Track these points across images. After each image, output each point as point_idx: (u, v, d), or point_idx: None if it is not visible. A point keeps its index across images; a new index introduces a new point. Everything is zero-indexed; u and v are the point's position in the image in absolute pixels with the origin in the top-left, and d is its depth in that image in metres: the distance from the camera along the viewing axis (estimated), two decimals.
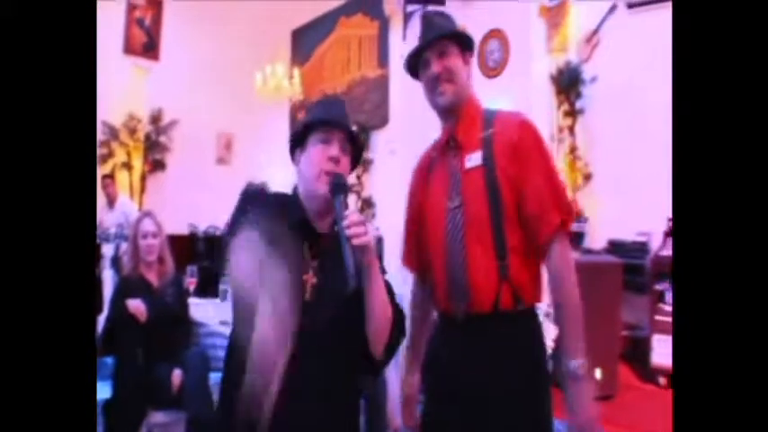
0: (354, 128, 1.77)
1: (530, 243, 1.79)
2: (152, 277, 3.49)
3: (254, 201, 1.70)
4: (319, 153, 1.64)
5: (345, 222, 1.46)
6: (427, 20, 1.94)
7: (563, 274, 1.75)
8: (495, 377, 1.74)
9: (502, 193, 1.78)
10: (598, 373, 3.66)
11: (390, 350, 1.64)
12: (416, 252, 2.02)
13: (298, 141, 1.72)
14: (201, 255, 7.98)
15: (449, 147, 1.90)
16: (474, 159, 1.83)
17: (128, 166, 8.83)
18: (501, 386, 1.73)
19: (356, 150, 1.74)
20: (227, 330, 3.25)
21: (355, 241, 1.45)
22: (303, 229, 1.64)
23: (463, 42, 1.92)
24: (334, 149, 1.65)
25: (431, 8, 1.86)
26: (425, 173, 1.99)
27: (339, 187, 1.57)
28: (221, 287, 4.40)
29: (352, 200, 8.07)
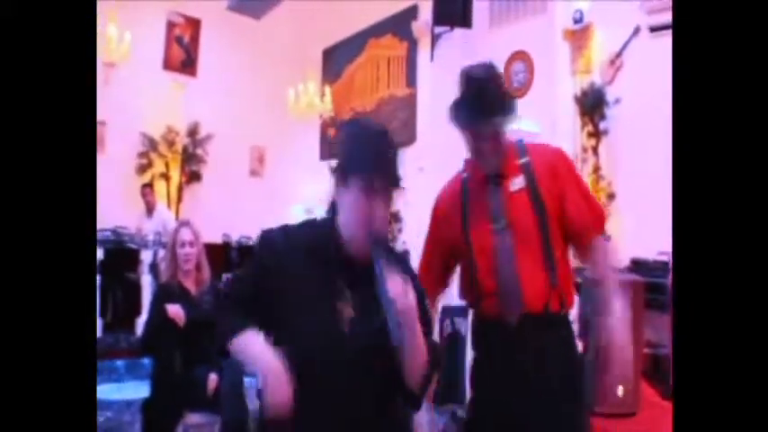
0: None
1: (569, 253, 2.04)
2: (189, 284, 3.48)
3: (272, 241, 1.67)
4: (363, 205, 1.54)
5: (388, 288, 1.43)
6: (481, 90, 1.95)
7: (606, 259, 2.02)
8: (548, 367, 1.95)
9: (547, 209, 1.97)
10: (620, 391, 3.63)
11: (429, 382, 1.63)
12: (433, 278, 2.14)
13: (339, 176, 1.61)
14: (235, 264, 8.09)
15: (489, 179, 2.03)
16: (517, 183, 2.00)
17: (166, 176, 9.01)
18: (551, 374, 1.94)
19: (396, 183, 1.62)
20: None
21: (399, 306, 1.43)
22: (338, 256, 1.59)
23: None
24: (379, 208, 1.55)
25: (475, 68, 1.86)
26: (458, 199, 2.09)
27: (380, 248, 1.51)
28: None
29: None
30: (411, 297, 1.46)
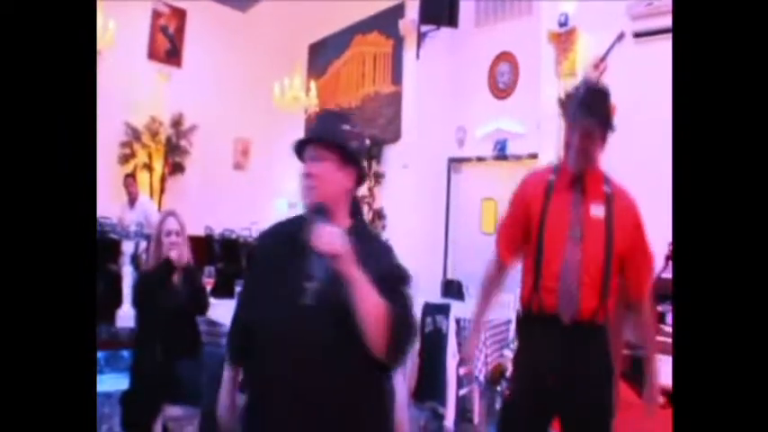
0: (358, 142, 1.82)
1: (621, 290, 2.33)
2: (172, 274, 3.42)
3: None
4: (302, 176, 1.69)
5: (313, 236, 1.53)
6: (600, 92, 2.32)
7: (651, 322, 2.46)
8: (588, 366, 2.26)
9: (614, 251, 2.24)
10: None
11: (397, 350, 1.64)
12: (513, 248, 2.43)
13: (298, 155, 1.75)
14: (217, 256, 8.06)
15: (574, 185, 2.29)
16: (598, 211, 2.27)
17: (149, 167, 8.94)
18: (590, 372, 2.26)
19: (356, 163, 1.74)
20: None
21: (320, 249, 1.52)
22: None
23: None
24: (312, 177, 1.66)
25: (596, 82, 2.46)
26: (542, 195, 2.33)
27: (314, 215, 1.61)
28: (237, 288, 4.22)
29: (365, 211, 8.12)
30: (339, 244, 1.53)
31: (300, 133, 10.02)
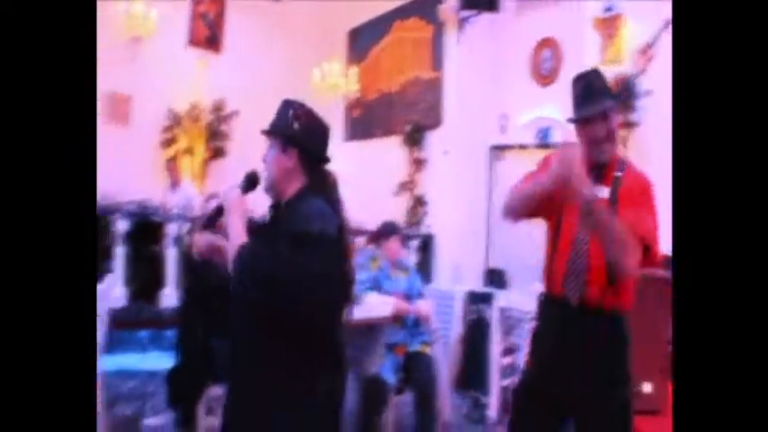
0: (300, 124, 2.00)
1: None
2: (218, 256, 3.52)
3: None
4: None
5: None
6: (588, 83, 2.23)
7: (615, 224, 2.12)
8: (597, 350, 2.17)
9: None
10: (648, 387, 3.72)
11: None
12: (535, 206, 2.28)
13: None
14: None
15: (590, 173, 2.16)
16: (603, 193, 2.18)
17: (190, 151, 8.95)
18: (600, 357, 2.17)
19: (296, 145, 1.98)
20: None
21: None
22: None
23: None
24: (265, 153, 2.02)
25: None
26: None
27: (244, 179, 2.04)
28: None
29: (406, 197, 8.17)
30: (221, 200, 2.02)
31: (340, 120, 10.22)
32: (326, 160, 2.04)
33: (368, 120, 9.64)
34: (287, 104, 2.06)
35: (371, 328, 3.45)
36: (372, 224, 4.71)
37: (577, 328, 2.20)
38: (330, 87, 8.71)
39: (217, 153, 9.20)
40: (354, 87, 9.00)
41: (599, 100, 2.19)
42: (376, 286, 3.73)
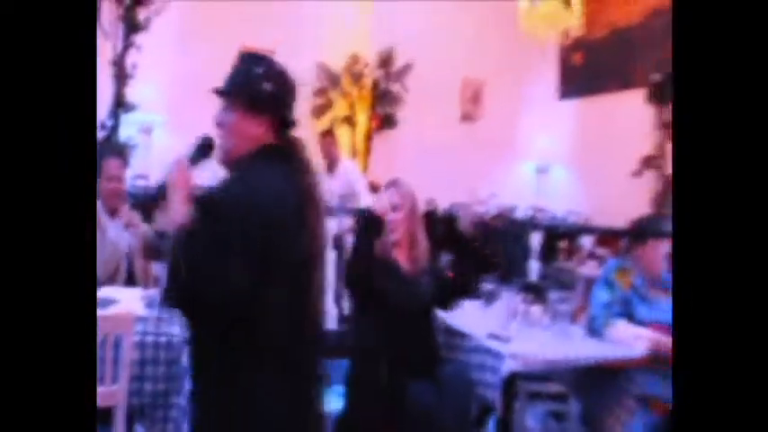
0: (273, 85, 1.89)
1: None
2: (402, 260, 3.30)
3: None
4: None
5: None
6: None
7: None
8: None
9: None
10: None
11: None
12: None
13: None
14: (440, 242, 6.74)
15: None
16: None
17: (350, 121, 8.43)
18: None
19: (267, 110, 1.86)
20: (498, 347, 3.00)
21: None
22: None
23: None
24: (218, 115, 1.87)
25: None
26: None
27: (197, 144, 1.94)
28: (486, 286, 3.85)
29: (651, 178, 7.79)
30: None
31: (553, 69, 9.24)
32: (295, 124, 1.93)
33: (594, 67, 8.98)
34: (251, 59, 1.94)
35: (616, 373, 3.20)
36: (603, 219, 4.35)
37: None
38: (542, 19, 7.54)
39: (386, 122, 8.64)
40: (576, 21, 7.69)
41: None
42: (625, 312, 3.34)
